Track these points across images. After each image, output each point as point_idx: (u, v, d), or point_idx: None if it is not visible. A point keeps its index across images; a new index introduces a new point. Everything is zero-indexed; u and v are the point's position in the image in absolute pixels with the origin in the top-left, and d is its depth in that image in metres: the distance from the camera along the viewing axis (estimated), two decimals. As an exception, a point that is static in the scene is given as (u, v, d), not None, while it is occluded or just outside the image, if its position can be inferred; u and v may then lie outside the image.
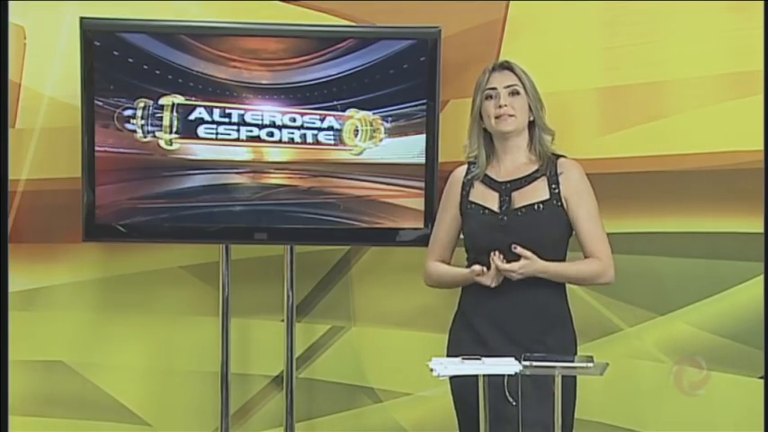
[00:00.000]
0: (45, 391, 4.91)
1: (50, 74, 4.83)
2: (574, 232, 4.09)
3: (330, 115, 4.57)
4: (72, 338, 4.91)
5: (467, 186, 4.14)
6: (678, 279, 4.75)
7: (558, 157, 4.12)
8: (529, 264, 3.95)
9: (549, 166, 4.08)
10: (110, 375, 4.92)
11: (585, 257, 4.06)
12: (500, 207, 4.06)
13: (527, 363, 3.64)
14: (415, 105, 4.56)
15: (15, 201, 4.83)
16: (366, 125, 4.57)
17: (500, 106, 4.06)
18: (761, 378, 4.69)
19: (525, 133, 4.11)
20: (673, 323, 4.77)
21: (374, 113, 4.56)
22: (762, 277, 4.67)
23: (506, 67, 4.13)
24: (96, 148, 4.55)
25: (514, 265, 3.94)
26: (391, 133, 4.57)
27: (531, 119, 4.11)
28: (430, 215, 4.53)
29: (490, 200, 4.08)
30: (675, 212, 4.75)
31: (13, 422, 4.65)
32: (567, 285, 4.11)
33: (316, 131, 4.57)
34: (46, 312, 4.91)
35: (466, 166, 4.17)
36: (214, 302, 4.77)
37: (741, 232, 4.71)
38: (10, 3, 4.70)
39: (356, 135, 4.57)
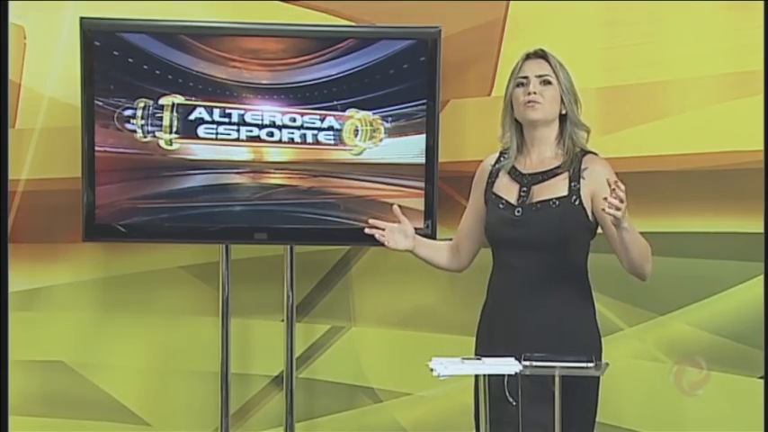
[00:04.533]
0: (45, 391, 4.91)
1: (50, 74, 4.83)
2: (600, 230, 3.92)
3: (330, 115, 4.57)
4: (72, 338, 4.91)
5: (493, 175, 4.01)
6: (678, 279, 4.74)
7: (586, 153, 3.98)
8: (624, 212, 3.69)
9: (573, 162, 3.94)
10: (110, 375, 4.92)
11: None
12: (517, 200, 3.93)
13: (527, 363, 3.63)
14: (415, 105, 4.55)
15: (15, 201, 4.83)
16: (366, 125, 4.56)
17: (529, 93, 3.92)
18: (761, 378, 4.69)
19: (555, 126, 3.96)
20: (673, 323, 4.77)
21: (374, 113, 4.56)
22: (762, 277, 4.67)
23: (541, 55, 3.98)
24: (96, 148, 4.55)
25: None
26: (391, 133, 4.56)
27: (563, 112, 3.97)
28: (430, 215, 4.53)
29: (510, 192, 3.95)
30: (675, 212, 4.75)
31: (13, 422, 4.64)
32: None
33: (316, 131, 4.57)
34: (46, 312, 4.90)
35: (497, 154, 4.04)
36: (214, 302, 4.76)
37: (741, 232, 4.71)
38: (10, 3, 4.70)
39: (356, 135, 4.57)
